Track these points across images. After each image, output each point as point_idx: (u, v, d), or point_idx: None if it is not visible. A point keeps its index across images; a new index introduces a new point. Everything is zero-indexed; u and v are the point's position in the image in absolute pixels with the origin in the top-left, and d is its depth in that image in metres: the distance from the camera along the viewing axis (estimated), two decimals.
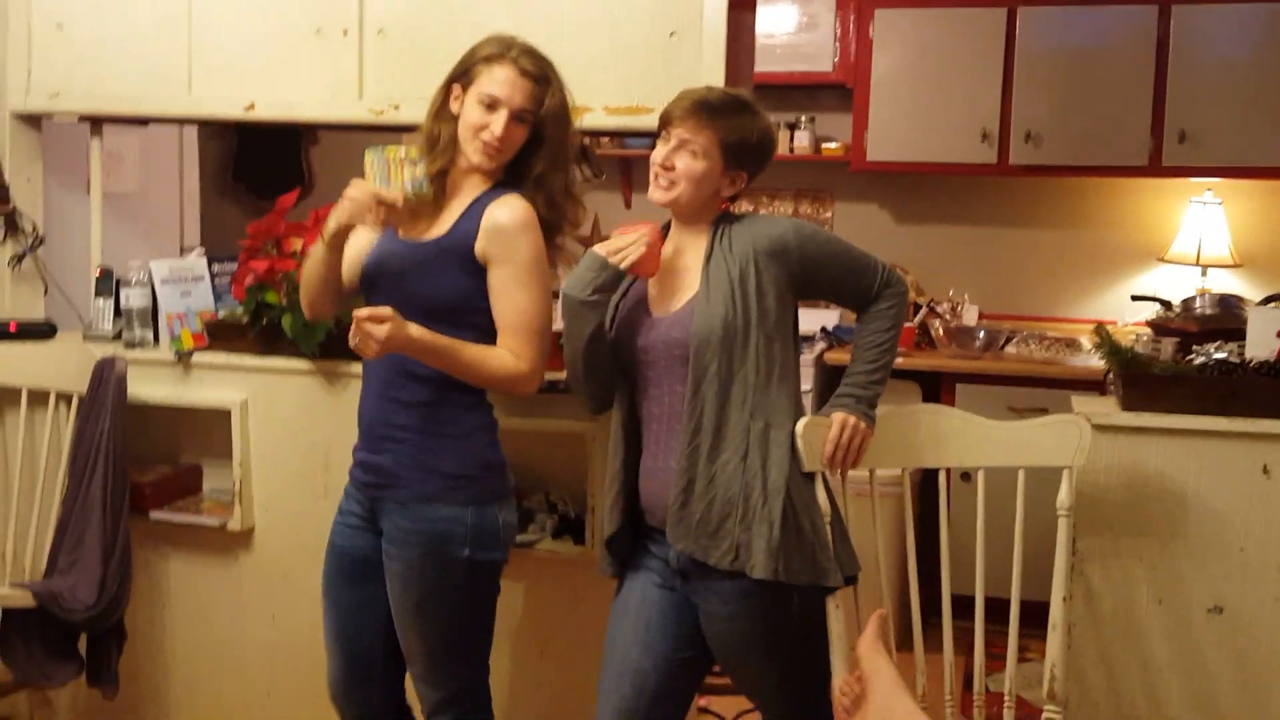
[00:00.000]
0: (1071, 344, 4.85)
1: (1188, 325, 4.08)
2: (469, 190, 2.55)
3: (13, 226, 3.35)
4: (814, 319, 5.28)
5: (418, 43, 3.07)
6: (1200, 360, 2.79)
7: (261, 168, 5.12)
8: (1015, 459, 2.55)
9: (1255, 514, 2.65)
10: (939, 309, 5.14)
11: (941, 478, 2.64)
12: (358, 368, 3.11)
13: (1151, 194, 5.16)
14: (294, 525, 3.21)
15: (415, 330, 2.38)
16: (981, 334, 4.94)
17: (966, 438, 2.57)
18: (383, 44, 3.08)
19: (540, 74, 2.51)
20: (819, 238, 2.50)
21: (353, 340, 2.34)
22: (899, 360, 4.73)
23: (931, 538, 2.66)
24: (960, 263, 5.39)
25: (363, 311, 2.33)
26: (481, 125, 2.48)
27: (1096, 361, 4.61)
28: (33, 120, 3.40)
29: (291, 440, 3.19)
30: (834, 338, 5.14)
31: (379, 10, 3.08)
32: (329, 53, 3.10)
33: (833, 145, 5.41)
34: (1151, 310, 4.57)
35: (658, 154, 2.44)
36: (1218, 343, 2.92)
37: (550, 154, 2.54)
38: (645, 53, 2.95)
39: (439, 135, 2.55)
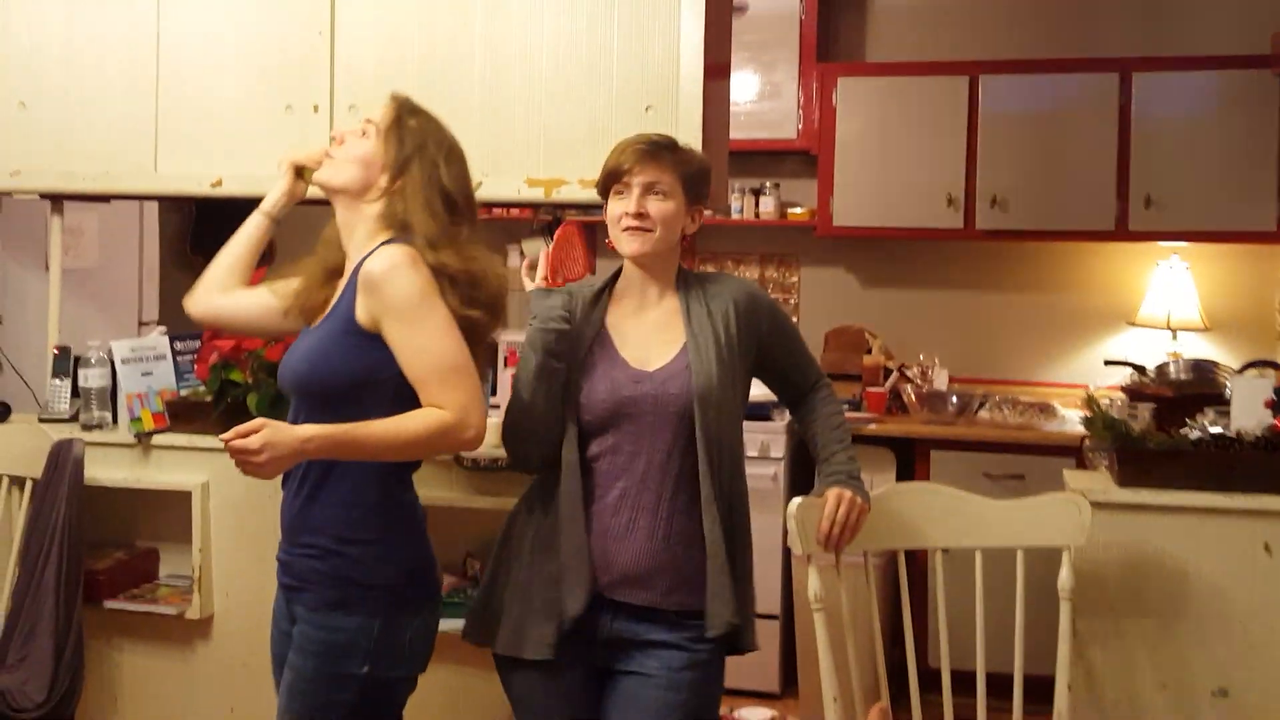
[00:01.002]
0: (1045, 409, 4.82)
1: (1163, 390, 4.08)
2: (353, 260, 2.34)
3: None
4: None
5: None
6: (1195, 434, 2.75)
7: (221, 240, 4.99)
8: (1014, 539, 2.50)
9: (1258, 593, 2.61)
10: (909, 374, 5.10)
11: (934, 556, 2.57)
12: None
13: (1119, 258, 5.17)
14: (255, 612, 3.03)
15: (304, 431, 2.13)
16: (954, 399, 4.90)
17: (962, 517, 2.52)
18: (354, 120, 3.01)
19: (400, 95, 2.42)
20: (781, 309, 2.53)
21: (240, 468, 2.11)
22: (872, 427, 4.79)
23: (916, 614, 2.59)
24: (929, 327, 5.37)
25: (226, 435, 2.10)
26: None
27: (1073, 427, 4.61)
28: None
29: (253, 523, 3.08)
30: None
31: (350, 86, 3.03)
32: (299, 128, 3.05)
33: (798, 210, 5.39)
34: (1124, 374, 4.58)
35: (623, 206, 2.36)
36: (1210, 414, 2.89)
37: (407, 185, 2.31)
38: (621, 126, 2.90)
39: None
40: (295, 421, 2.26)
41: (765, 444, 4.64)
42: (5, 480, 3.10)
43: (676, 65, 2.86)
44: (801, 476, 4.97)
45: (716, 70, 2.99)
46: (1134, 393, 4.05)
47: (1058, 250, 5.23)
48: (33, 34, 3.23)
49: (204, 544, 3.09)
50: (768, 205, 5.38)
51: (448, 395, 2.18)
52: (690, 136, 2.84)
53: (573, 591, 2.31)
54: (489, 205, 3.88)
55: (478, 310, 2.26)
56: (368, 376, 2.24)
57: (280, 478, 2.29)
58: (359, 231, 2.34)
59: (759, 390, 2.51)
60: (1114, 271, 5.21)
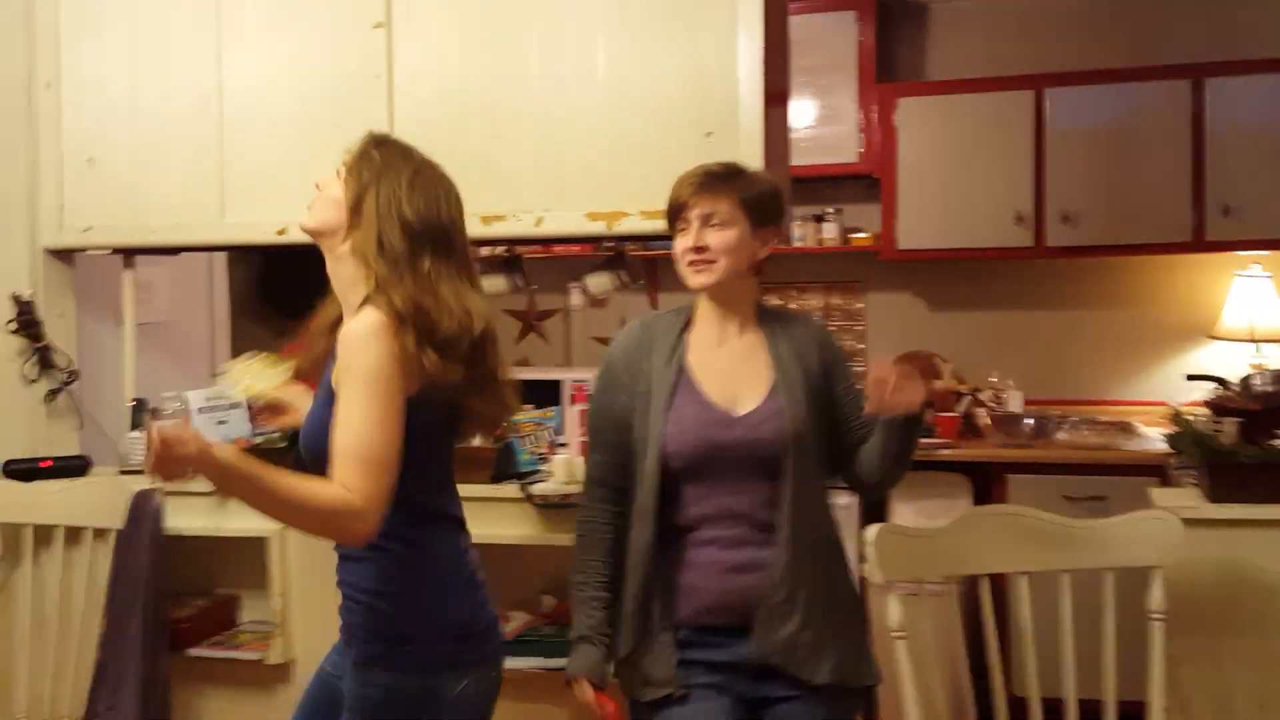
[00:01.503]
0: (1125, 427, 4.71)
1: (1249, 404, 3.96)
2: (345, 316, 2.23)
3: (46, 363, 3.31)
4: None
5: (447, 158, 2.97)
6: None
7: (288, 288, 5.06)
8: (1101, 560, 2.43)
9: None
10: (983, 397, 5.01)
11: (1019, 581, 2.50)
12: None
13: (1196, 269, 5.05)
14: None
15: (220, 452, 1.94)
16: (1030, 421, 4.81)
17: (1047, 539, 2.45)
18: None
19: (374, 132, 2.31)
20: (845, 357, 2.50)
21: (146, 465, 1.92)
22: (945, 453, 4.70)
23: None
24: (1000, 348, 5.28)
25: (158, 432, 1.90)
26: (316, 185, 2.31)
27: (1154, 445, 4.50)
28: (65, 255, 3.37)
29: (329, 567, 3.07)
30: None
31: (408, 129, 3.02)
32: None
33: (862, 235, 5.34)
34: (1207, 389, 4.47)
35: (684, 241, 2.34)
36: None
37: (360, 225, 2.19)
38: (680, 155, 2.87)
39: None
40: None
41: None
42: (90, 532, 3.12)
43: (735, 91, 2.84)
44: (875, 505, 4.90)
45: (776, 95, 2.97)
46: (1218, 407, 3.94)
47: (1133, 265, 5.13)
48: (98, 91, 3.28)
49: (284, 589, 3.10)
50: (830, 231, 5.33)
51: (361, 481, 2.01)
52: (751, 163, 2.80)
53: (625, 637, 2.34)
54: (551, 241, 3.91)
55: (431, 351, 2.09)
56: None
57: None
58: (340, 277, 2.24)
59: None
60: (1192, 284, 5.09)
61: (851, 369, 2.45)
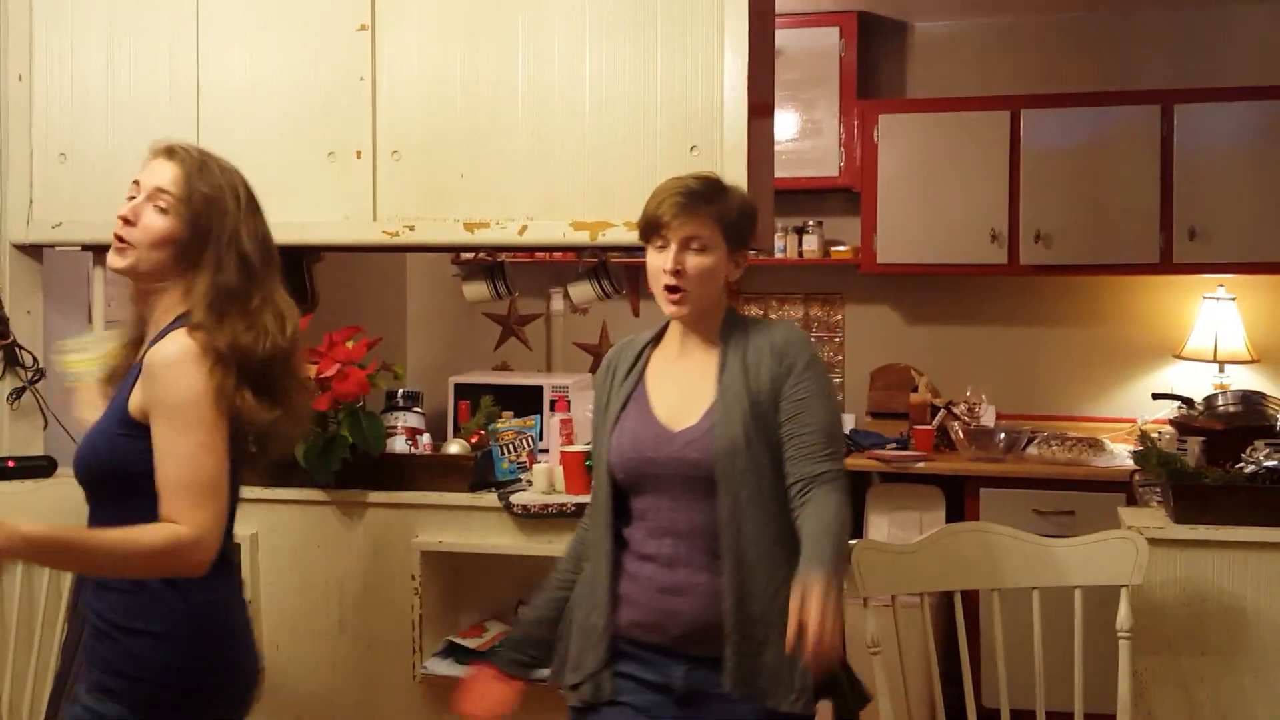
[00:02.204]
0: (1094, 444, 4.75)
1: (1213, 423, 4.02)
2: (151, 337, 2.13)
3: (12, 360, 3.26)
4: None
5: (431, 164, 3.02)
6: (1251, 469, 2.70)
7: None
8: (1070, 578, 2.46)
9: None
10: (957, 411, 5.05)
11: (991, 597, 2.53)
12: (374, 497, 3.05)
13: (1164, 290, 5.11)
14: (307, 664, 3.08)
15: (28, 528, 1.88)
16: (1002, 435, 4.84)
17: (1018, 557, 2.47)
18: (396, 166, 3.03)
19: (186, 155, 2.11)
20: (820, 366, 2.28)
21: None
22: (920, 465, 4.73)
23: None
24: (974, 363, 5.32)
25: None
26: (121, 218, 2.07)
27: (1122, 462, 4.55)
28: (33, 251, 3.34)
29: (303, 575, 3.08)
30: (852, 442, 5.04)
31: (392, 132, 3.04)
32: (342, 175, 3.05)
33: (842, 248, 5.37)
34: (1172, 408, 4.52)
35: (660, 261, 2.23)
36: (1262, 448, 2.84)
37: (204, 251, 2.07)
38: (666, 167, 2.86)
39: None
40: (91, 512, 2.13)
41: None
42: None
43: (720, 105, 2.85)
44: (854, 517, 4.93)
45: (761, 109, 2.98)
46: (1183, 426, 4.00)
47: (1103, 284, 5.17)
48: (73, 86, 3.25)
49: (253, 595, 3.07)
50: (811, 244, 5.36)
51: (190, 512, 1.97)
52: (736, 176, 2.82)
53: (593, 645, 2.26)
54: (534, 249, 3.90)
55: (249, 393, 2.03)
56: (129, 471, 2.04)
57: None
58: (150, 300, 2.14)
59: None
60: (1159, 304, 5.15)
61: (815, 378, 2.24)
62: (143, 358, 2.07)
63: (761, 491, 2.18)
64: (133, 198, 2.11)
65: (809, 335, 2.31)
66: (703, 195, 2.24)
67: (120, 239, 2.08)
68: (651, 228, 2.26)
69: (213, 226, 2.08)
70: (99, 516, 2.13)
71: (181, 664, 2.06)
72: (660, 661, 2.22)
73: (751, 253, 2.37)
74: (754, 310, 5.64)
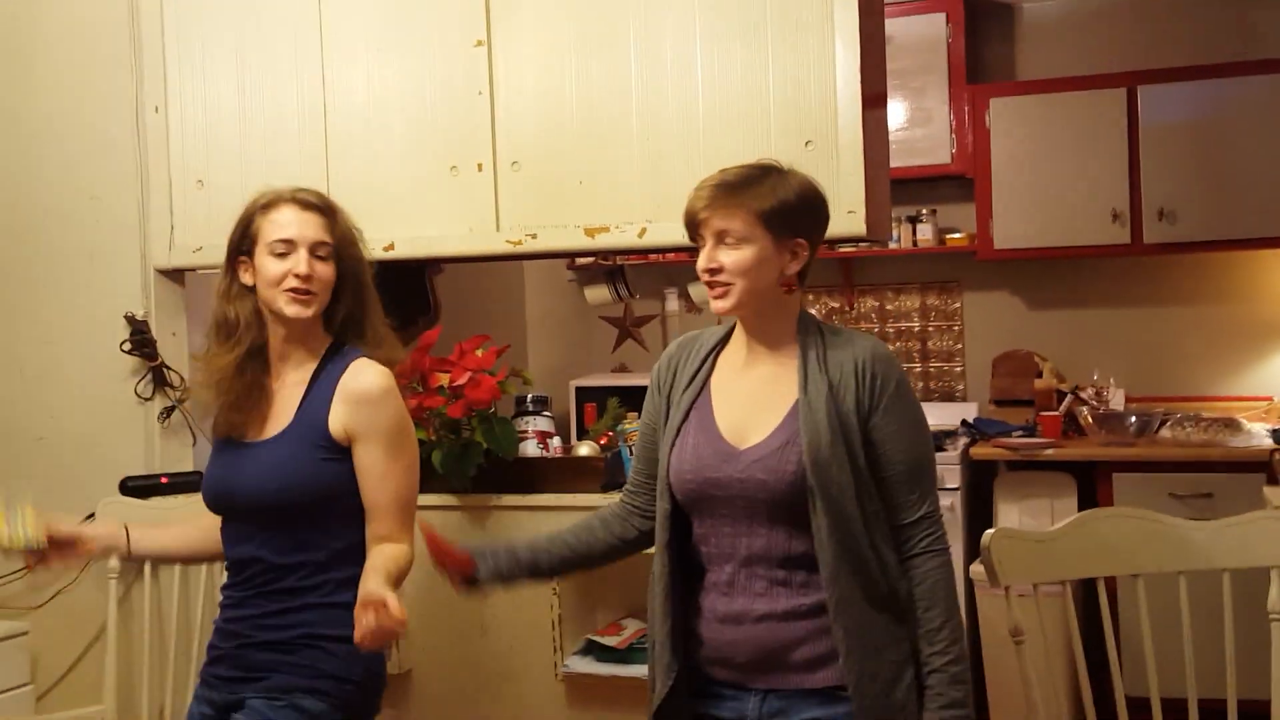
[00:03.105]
0: (1230, 423, 4.63)
1: None
2: (296, 365, 2.37)
3: (161, 380, 3.38)
4: (952, 413, 5.15)
5: (550, 173, 3.06)
6: None
7: (390, 299, 5.14)
8: (1218, 561, 2.39)
9: None
10: (1084, 396, 4.96)
11: (1137, 583, 2.48)
12: (508, 500, 3.11)
13: None
14: (453, 666, 3.15)
15: (383, 591, 2.11)
16: (1133, 419, 4.75)
17: (1163, 540, 2.42)
18: (516, 176, 3.08)
19: (322, 203, 2.38)
20: (909, 392, 2.11)
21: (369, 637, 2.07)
22: (1049, 452, 4.66)
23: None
24: (1100, 346, 5.23)
25: (372, 606, 2.07)
26: (282, 273, 2.29)
27: (1260, 441, 4.43)
28: (176, 275, 3.46)
29: (442, 579, 3.12)
30: (976, 431, 4.99)
31: (511, 144, 3.08)
32: (465, 188, 3.10)
33: (957, 235, 5.32)
34: None
35: (699, 261, 2.10)
36: None
37: (357, 290, 2.39)
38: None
39: (235, 316, 2.34)
40: (237, 544, 2.34)
41: (940, 474, 4.55)
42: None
43: (833, 98, 2.84)
44: (979, 505, 4.88)
45: (874, 100, 2.96)
46: None
47: (1231, 260, 5.05)
48: (206, 114, 3.35)
49: (399, 599, 3.13)
50: (925, 232, 5.32)
51: (404, 532, 2.31)
52: (851, 169, 2.82)
53: (659, 678, 2.15)
54: (654, 251, 3.93)
55: None
56: (337, 491, 2.29)
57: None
58: (303, 343, 2.38)
59: (933, 418, 2.37)
60: None
61: (906, 407, 2.09)
62: (322, 385, 2.31)
63: (854, 516, 2.03)
64: (284, 254, 2.31)
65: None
66: (735, 185, 2.07)
67: (306, 292, 2.31)
68: (689, 227, 2.13)
69: (354, 263, 2.38)
70: (284, 540, 2.29)
71: (364, 663, 2.31)
72: (730, 695, 2.12)
73: (801, 242, 2.10)
74: (870, 302, 5.61)
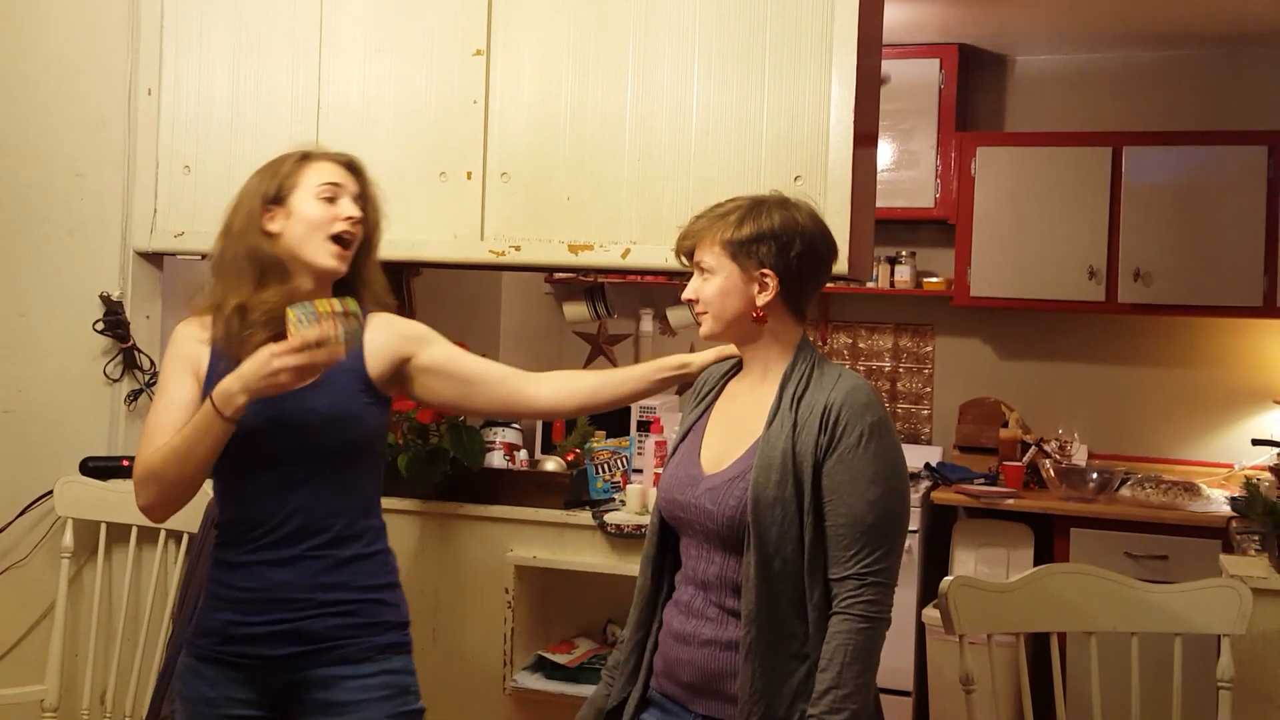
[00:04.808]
0: (1189, 488, 4.68)
1: None
2: None
3: (131, 363, 3.36)
4: (917, 455, 5.17)
5: (539, 186, 3.07)
6: None
7: None
8: (1171, 625, 2.43)
9: None
10: (1048, 448, 5.00)
11: (1089, 640, 2.50)
12: (470, 510, 3.10)
13: (1266, 334, 5.04)
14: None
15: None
16: (1095, 475, 4.79)
17: (1118, 600, 2.45)
18: (505, 187, 3.08)
19: (356, 164, 2.37)
20: (877, 442, 2.02)
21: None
22: (1009, 502, 4.69)
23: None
24: (1067, 400, 5.27)
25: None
26: (329, 217, 2.24)
27: (1218, 507, 4.47)
28: (154, 258, 3.44)
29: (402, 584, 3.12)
30: (939, 475, 5.01)
31: (502, 154, 3.09)
32: (453, 195, 3.11)
33: (934, 280, 5.36)
34: (1272, 454, 4.45)
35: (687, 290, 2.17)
36: None
37: (369, 252, 2.37)
38: None
39: (271, 255, 2.23)
40: (273, 496, 2.20)
41: None
42: (162, 534, 3.16)
43: (826, 134, 2.86)
44: (937, 548, 4.90)
45: (865, 138, 2.99)
46: None
47: (1203, 325, 5.11)
48: (199, 100, 3.34)
49: None
50: (903, 274, 5.35)
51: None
52: (839, 204, 2.83)
53: (618, 685, 2.20)
54: (636, 273, 3.94)
55: None
56: (377, 435, 2.32)
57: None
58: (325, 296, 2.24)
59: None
60: (1261, 348, 5.07)
61: (862, 460, 1.99)
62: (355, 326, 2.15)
63: (792, 548, 2.00)
64: (331, 199, 2.28)
65: (877, 396, 2.08)
66: (716, 217, 2.11)
67: (349, 241, 2.28)
68: (686, 256, 2.19)
69: (374, 228, 2.39)
70: (328, 488, 2.22)
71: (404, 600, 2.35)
72: (673, 712, 2.13)
73: (766, 273, 2.07)
74: (843, 339, 5.64)
